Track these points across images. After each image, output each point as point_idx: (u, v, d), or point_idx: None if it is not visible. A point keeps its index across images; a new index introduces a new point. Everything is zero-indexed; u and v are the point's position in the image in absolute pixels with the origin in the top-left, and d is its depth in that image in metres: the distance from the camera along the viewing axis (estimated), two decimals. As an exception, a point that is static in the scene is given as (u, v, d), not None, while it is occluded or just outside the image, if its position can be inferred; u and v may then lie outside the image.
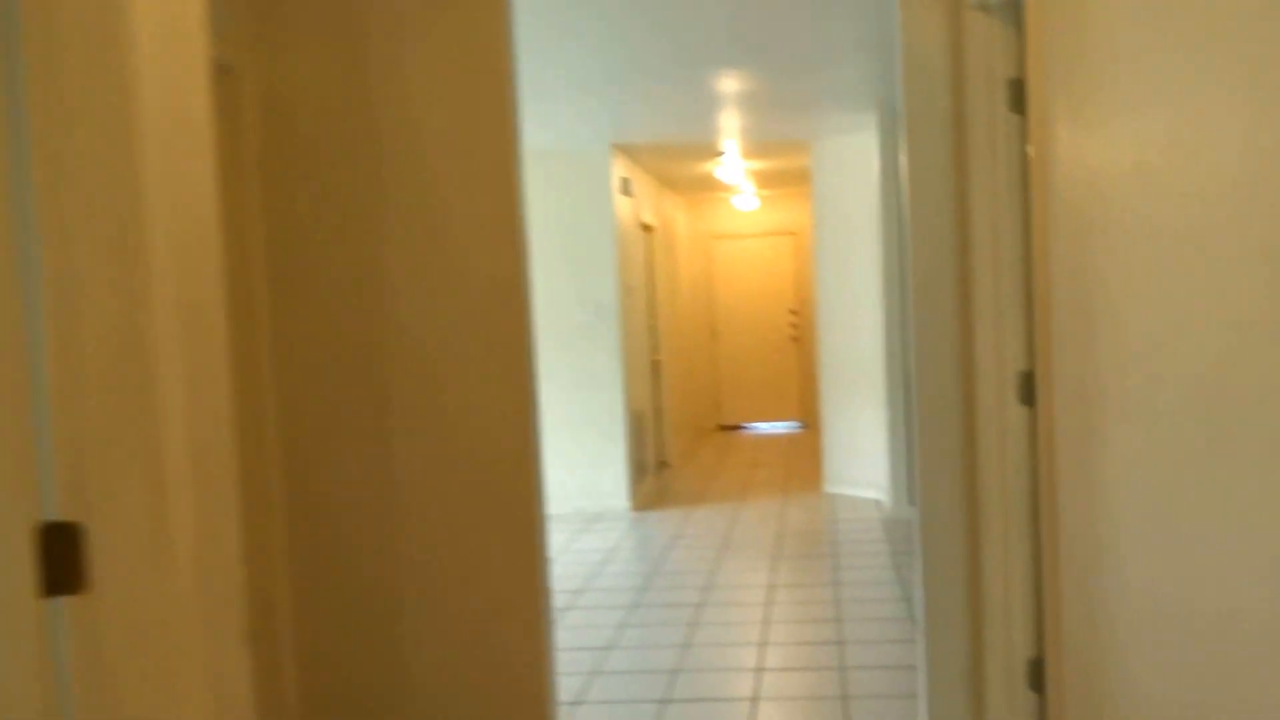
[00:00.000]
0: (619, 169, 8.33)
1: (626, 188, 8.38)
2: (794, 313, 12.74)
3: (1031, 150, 2.95)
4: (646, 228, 9.86)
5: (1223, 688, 1.81)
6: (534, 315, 3.57)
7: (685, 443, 11.41)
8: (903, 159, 3.42)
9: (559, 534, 7.49)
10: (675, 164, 9.51)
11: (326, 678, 3.53)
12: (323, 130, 3.39)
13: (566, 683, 4.55)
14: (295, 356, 3.46)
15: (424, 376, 3.44)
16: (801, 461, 10.21)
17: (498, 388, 3.43)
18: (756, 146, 8.74)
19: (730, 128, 7.75)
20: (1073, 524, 2.67)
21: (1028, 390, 3.16)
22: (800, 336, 12.73)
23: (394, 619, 3.52)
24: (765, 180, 11.09)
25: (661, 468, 9.92)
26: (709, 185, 11.19)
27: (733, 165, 9.59)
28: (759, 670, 4.59)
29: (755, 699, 4.27)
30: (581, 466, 8.23)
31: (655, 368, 10.03)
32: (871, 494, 8.10)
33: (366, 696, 3.54)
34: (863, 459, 8.16)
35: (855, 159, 8.02)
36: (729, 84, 6.27)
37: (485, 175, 3.40)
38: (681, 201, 12.29)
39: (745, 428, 12.95)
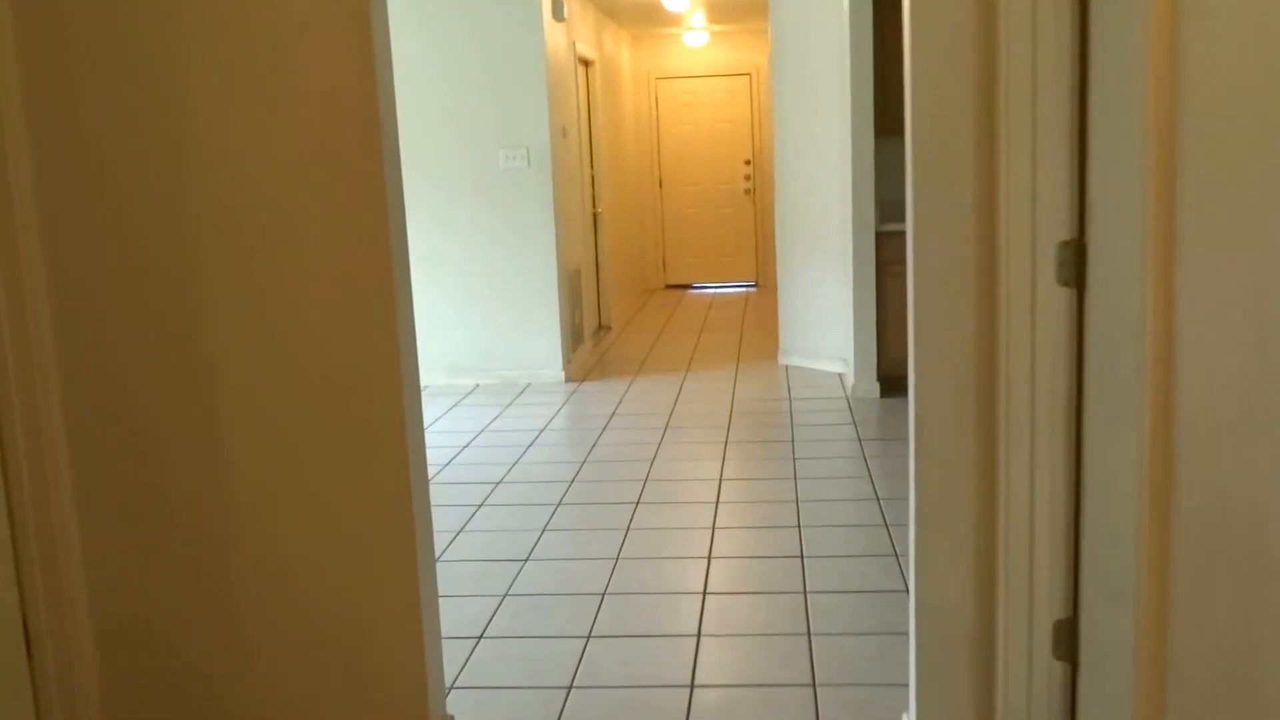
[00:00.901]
0: (551, -10, 7.21)
1: (559, 10, 7.26)
2: (748, 163, 11.73)
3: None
4: (585, 62, 8.74)
5: None
6: (396, 148, 2.60)
7: (628, 304, 10.51)
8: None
9: (481, 409, 6.63)
10: (617, -11, 8.36)
11: (131, 635, 2.67)
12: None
13: (473, 607, 3.73)
14: (65, 209, 2.50)
15: (241, 235, 2.50)
16: (755, 327, 9.36)
17: (344, 251, 2.49)
18: (709, -33, 7.62)
19: (679, -59, 6.64)
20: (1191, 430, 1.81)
21: (1074, 265, 2.28)
22: (756, 189, 11.76)
23: (215, 555, 2.65)
24: (718, 12, 9.94)
25: (601, 332, 9.03)
26: (656, 18, 10.03)
27: (683, -9, 8.46)
28: (703, 594, 3.80)
29: (698, 635, 3.49)
30: (509, 331, 7.32)
31: (594, 221, 9.04)
32: (833, 367, 7.28)
33: (187, 671, 2.69)
34: (823, 327, 7.31)
35: (823, -19, 6.95)
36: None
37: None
38: (625, 36, 11.11)
39: (694, 288, 12.05)
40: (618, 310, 9.86)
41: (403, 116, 7.09)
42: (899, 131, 6.63)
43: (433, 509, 4.81)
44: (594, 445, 5.74)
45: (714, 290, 11.86)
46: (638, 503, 4.77)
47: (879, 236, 6.34)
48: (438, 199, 7.19)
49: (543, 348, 7.31)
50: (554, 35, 7.29)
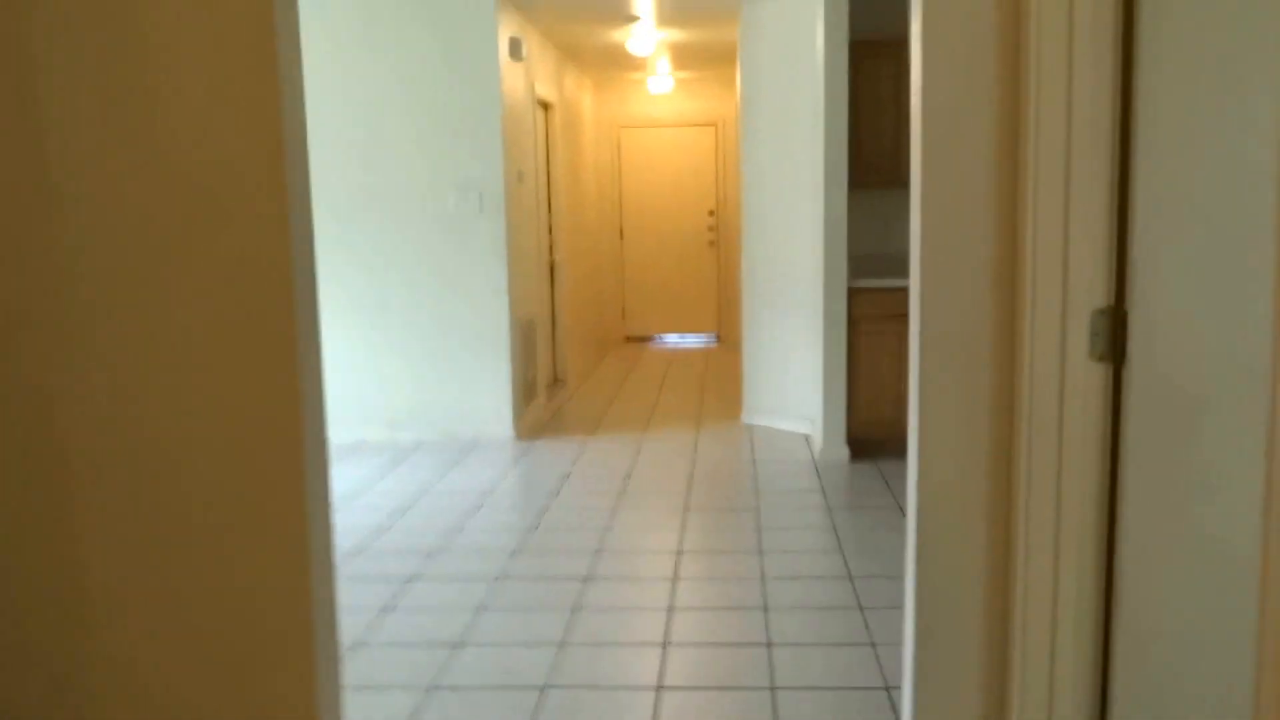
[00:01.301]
0: (508, 25, 6.86)
1: (517, 49, 6.92)
2: (712, 214, 11.42)
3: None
4: (544, 105, 8.40)
5: None
6: (304, 175, 2.20)
7: (585, 357, 10.11)
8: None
9: (422, 468, 6.18)
10: (579, 29, 8.03)
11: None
12: None
13: (394, 703, 3.28)
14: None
15: (104, 272, 2.08)
16: (717, 383, 8.99)
17: (233, 292, 2.08)
18: (675, 11, 7.32)
19: (645, -21, 6.33)
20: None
21: (1111, 337, 1.91)
22: (719, 241, 11.44)
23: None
24: (684, 58, 9.66)
25: (556, 386, 8.62)
26: (619, 62, 9.73)
27: (646, 34, 8.15)
28: (658, 689, 3.37)
29: (651, 740, 3.06)
30: (456, 384, 6.89)
31: (551, 270, 8.66)
32: (799, 427, 6.91)
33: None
34: (790, 386, 6.95)
35: (793, 29, 6.66)
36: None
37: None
38: (588, 82, 10.81)
39: (655, 340, 11.68)
40: (574, 363, 9.46)
41: (349, 150, 6.70)
42: (873, 183, 6.37)
43: (359, 583, 4.35)
44: (543, 511, 5.30)
45: (674, 343, 11.49)
46: (588, 578, 4.33)
47: (851, 293, 5.99)
48: (383, 239, 6.78)
49: (492, 402, 6.89)
50: (511, 75, 6.94)
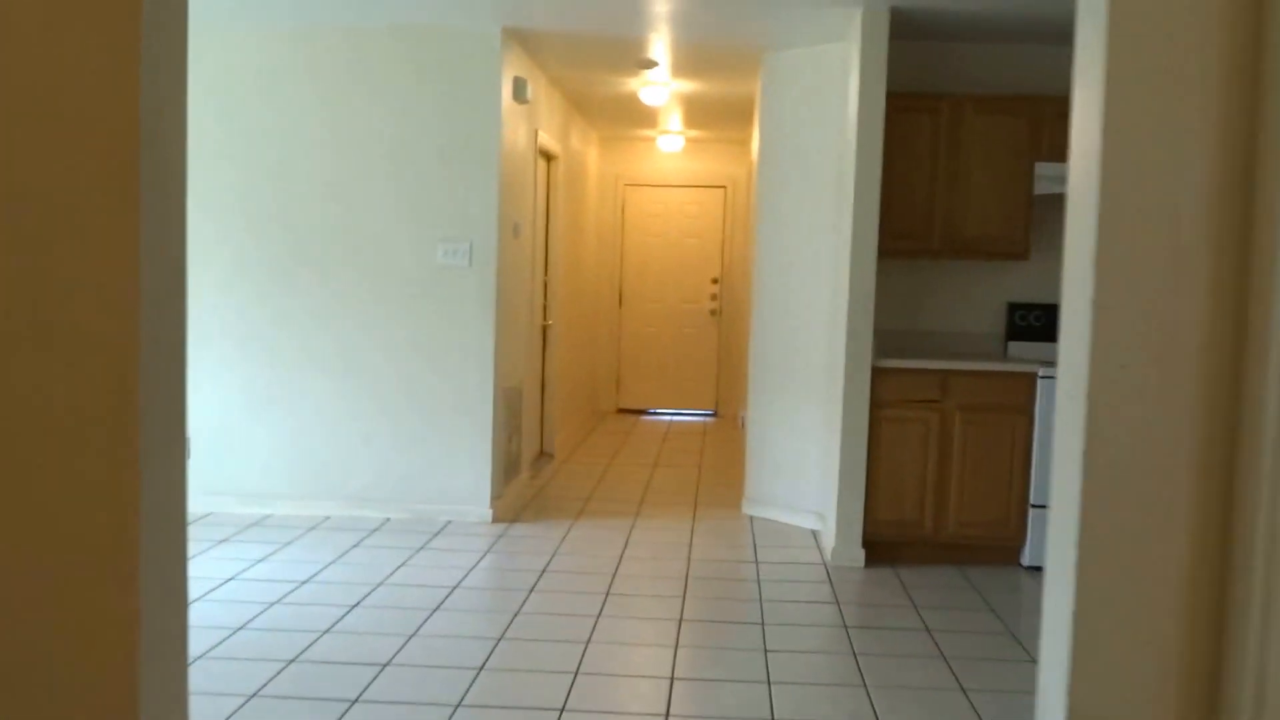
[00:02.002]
0: (514, 65, 6.27)
1: (521, 91, 6.32)
2: (716, 282, 10.80)
3: None
4: (547, 155, 7.80)
5: None
6: (179, 183, 1.54)
7: (575, 428, 9.42)
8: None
9: (384, 552, 5.46)
10: (591, 76, 7.45)
11: None
12: None
13: None
14: None
15: None
16: (715, 464, 8.28)
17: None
18: (694, 58, 6.73)
19: (662, 18, 5.73)
20: None
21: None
22: (722, 311, 10.81)
23: None
24: (696, 115, 9.09)
25: (541, 460, 7.92)
26: (629, 116, 9.16)
27: (661, 83, 7.57)
28: None
29: None
30: (430, 457, 6.19)
31: (544, 335, 8.00)
32: (807, 522, 6.20)
33: None
34: (798, 475, 6.26)
35: (820, 81, 6.07)
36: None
37: None
38: (595, 136, 10.24)
39: (650, 414, 11.00)
40: (563, 435, 8.77)
41: (328, 188, 6.07)
42: (902, 252, 5.70)
43: (290, 701, 3.63)
44: (515, 614, 4.58)
45: (670, 417, 10.80)
46: (562, 709, 3.61)
47: (876, 373, 5.33)
48: (358, 289, 6.12)
49: (469, 479, 6.18)
50: (514, 119, 6.34)
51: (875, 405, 5.35)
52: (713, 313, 10.82)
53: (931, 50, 5.87)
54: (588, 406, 10.35)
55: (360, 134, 6.05)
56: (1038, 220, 5.89)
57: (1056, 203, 5.91)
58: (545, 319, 8.04)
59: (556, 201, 8.10)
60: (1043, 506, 5.33)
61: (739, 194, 10.60)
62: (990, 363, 5.35)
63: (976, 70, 5.87)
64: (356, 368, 6.16)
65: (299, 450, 6.24)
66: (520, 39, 6.26)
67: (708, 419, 10.74)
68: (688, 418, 10.80)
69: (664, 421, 10.53)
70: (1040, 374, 5.29)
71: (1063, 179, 5.63)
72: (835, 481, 5.49)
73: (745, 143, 10.28)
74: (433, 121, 6.02)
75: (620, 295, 10.89)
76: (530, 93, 6.55)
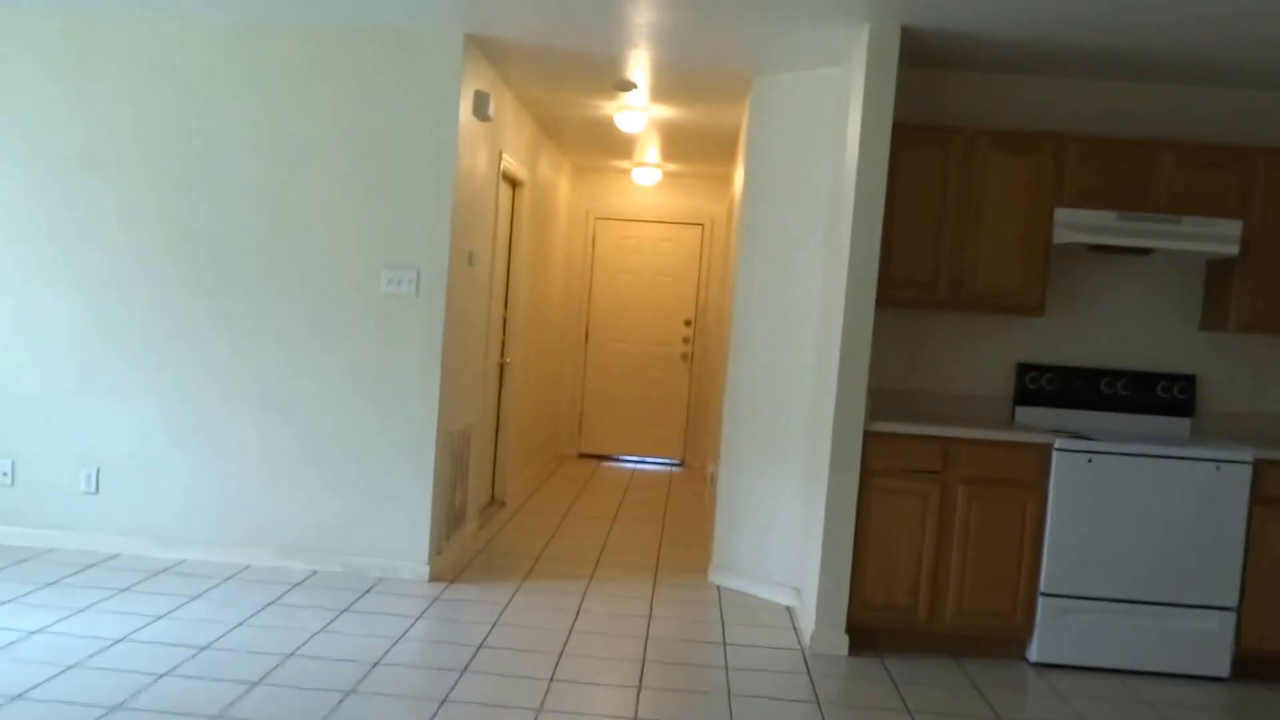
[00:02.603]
0: (476, 77, 5.67)
1: (483, 106, 5.72)
2: (689, 324, 10.21)
3: None
4: (512, 180, 7.21)
5: None
6: None
7: (531, 473, 8.76)
8: None
9: (305, 611, 4.78)
10: (564, 97, 6.87)
11: None
12: None
13: None
14: None
15: None
16: (680, 520, 7.64)
17: None
18: (677, 81, 6.17)
19: (643, 31, 5.16)
20: None
21: None
22: (694, 355, 10.21)
23: None
24: (675, 147, 8.52)
25: (492, 508, 7.26)
26: (604, 144, 8.59)
27: (640, 106, 7.01)
28: None
29: None
30: (363, 504, 5.53)
31: (501, 373, 7.38)
32: (781, 597, 5.57)
33: None
34: (774, 543, 5.63)
35: (816, 105, 5.52)
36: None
37: None
38: (566, 165, 9.66)
39: (613, 460, 10.35)
40: (517, 481, 8.12)
41: (261, 202, 5.44)
42: (899, 301, 5.01)
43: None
44: (442, 702, 3.91)
45: (634, 465, 10.16)
46: (487, 838, 2.95)
47: (869, 438, 4.74)
48: (289, 317, 5.48)
49: (406, 531, 5.52)
50: (473, 137, 5.74)
51: (866, 473, 4.75)
52: (684, 357, 10.22)
53: (942, 79, 5.33)
54: (547, 450, 9.70)
55: (299, 145, 5.43)
56: (1056, 273, 5.35)
57: (1076, 253, 5.36)
58: (503, 356, 7.41)
59: (521, 231, 7.49)
60: (1056, 595, 4.73)
61: (717, 232, 10.04)
62: (999, 430, 4.76)
63: (992, 102, 5.33)
64: (287, 403, 5.51)
65: (220, 490, 5.57)
66: (485, 49, 5.67)
67: (674, 469, 10.11)
68: (653, 466, 10.16)
69: (627, 469, 9.88)
70: (1056, 445, 4.70)
71: (1086, 227, 5.03)
72: (817, 556, 4.87)
73: (726, 179, 9.74)
74: (382, 134, 5.41)
75: (586, 334, 10.28)
76: (493, 109, 5.96)
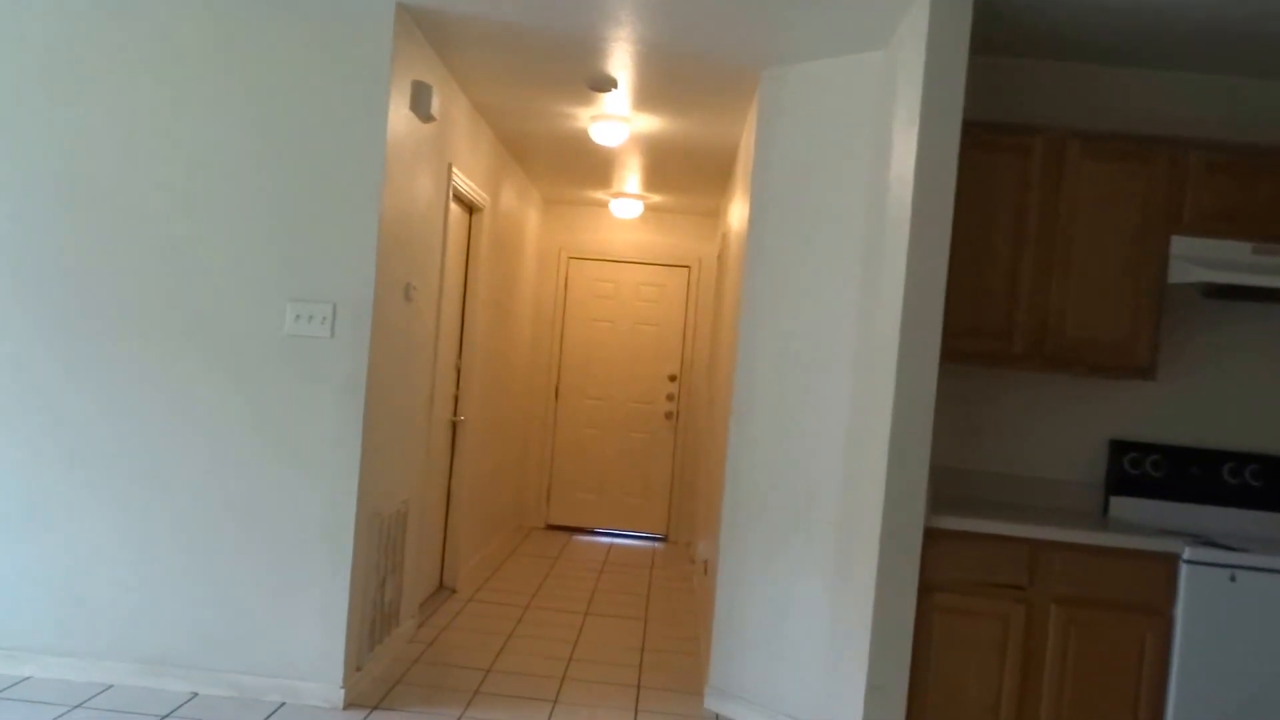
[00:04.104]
0: (414, 63, 4.48)
1: (423, 101, 4.53)
2: (674, 379, 8.99)
3: None
4: (467, 204, 6.01)
5: None
6: None
7: (490, 550, 7.48)
8: None
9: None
10: (526, 97, 5.69)
11: None
12: None
13: None
14: None
15: None
16: (667, 613, 6.36)
17: None
18: (663, 77, 5.00)
19: (624, 3, 3.99)
20: None
21: None
22: (680, 414, 8.97)
23: None
24: (662, 171, 7.35)
25: (437, 598, 5.98)
26: (578, 167, 7.40)
27: (617, 123, 5.83)
28: None
29: None
30: (260, 608, 4.24)
31: (454, 432, 6.13)
32: (799, 733, 4.32)
33: None
34: (790, 662, 4.38)
35: (848, 100, 4.35)
36: None
37: None
38: (536, 195, 8.47)
39: (587, 533, 9.06)
40: (473, 562, 6.83)
41: (145, 213, 4.20)
42: (970, 355, 3.46)
43: None
44: None
45: (610, 539, 8.87)
46: None
47: (930, 537, 3.51)
48: (165, 368, 4.22)
49: (314, 642, 4.24)
50: (413, 140, 4.54)
51: (926, 586, 3.52)
52: (668, 415, 8.98)
53: (1012, 69, 4.18)
54: (509, 521, 8.41)
55: (185, 144, 4.21)
56: (1171, 322, 4.16)
57: (1192, 297, 4.18)
58: (456, 413, 6.17)
59: (478, 265, 6.27)
60: (1187, 761, 3.48)
61: (706, 276, 8.86)
62: (1105, 533, 3.54)
63: (1078, 100, 4.18)
64: (160, 477, 4.23)
65: (72, 587, 4.27)
66: (425, 26, 4.48)
67: (656, 544, 8.83)
68: (632, 541, 8.87)
69: (603, 544, 8.60)
70: (1185, 556, 3.49)
71: (1212, 262, 3.05)
72: (857, 697, 3.63)
73: (716, 214, 8.57)
74: (290, 132, 4.20)
75: (557, 389, 9.03)
76: (437, 107, 4.75)
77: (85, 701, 4.04)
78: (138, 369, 4.20)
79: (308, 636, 4.22)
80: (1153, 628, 3.49)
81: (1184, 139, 3.78)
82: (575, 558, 7.91)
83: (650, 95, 5.28)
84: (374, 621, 4.55)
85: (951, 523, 3.51)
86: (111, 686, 4.24)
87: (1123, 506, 4.11)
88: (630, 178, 7.56)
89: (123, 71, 4.20)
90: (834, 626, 4.11)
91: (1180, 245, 3.72)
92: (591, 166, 7.23)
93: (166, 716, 3.96)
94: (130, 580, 4.25)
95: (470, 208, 6.14)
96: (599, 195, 8.40)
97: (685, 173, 7.16)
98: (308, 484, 4.19)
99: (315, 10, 4.17)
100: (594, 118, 5.83)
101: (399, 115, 4.30)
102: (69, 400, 4.23)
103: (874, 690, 3.46)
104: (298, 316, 4.17)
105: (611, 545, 8.59)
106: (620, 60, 4.73)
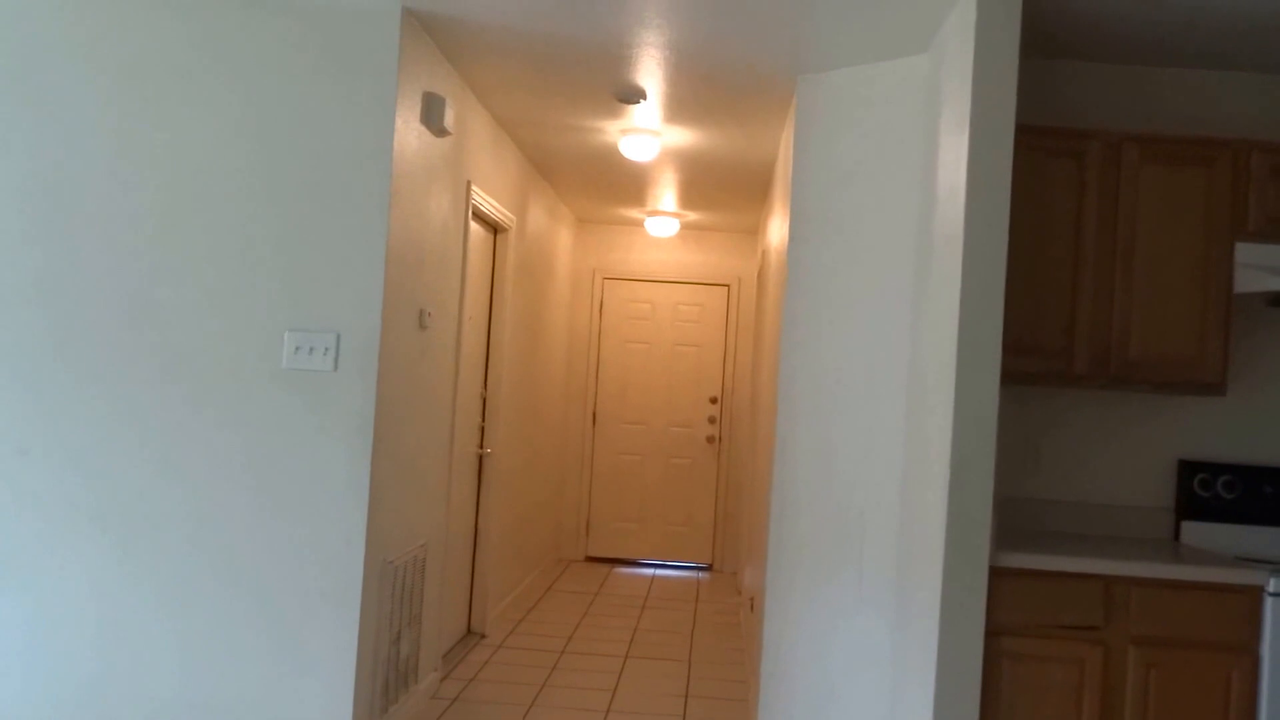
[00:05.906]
0: (424, 73, 4.18)
1: (435, 114, 4.22)
2: (715, 402, 8.62)
3: None
4: (491, 224, 5.70)
5: None
6: None
7: (525, 589, 7.14)
8: None
9: None
10: (550, 113, 5.38)
11: None
12: None
13: None
14: None
15: None
16: (714, 654, 5.97)
17: None
18: (694, 87, 4.66)
19: (650, 6, 3.65)
20: None
21: None
22: (722, 438, 8.60)
23: None
24: (697, 188, 7.01)
25: (465, 644, 5.64)
26: (610, 185, 7.08)
27: (648, 137, 5.50)
28: None
29: None
30: (259, 667, 3.91)
31: (480, 466, 5.81)
32: (855, 795, 3.91)
33: None
34: (847, 702, 3.98)
35: (891, 106, 3.99)
36: None
37: None
38: (567, 214, 8.16)
39: (628, 565, 8.70)
40: (504, 603, 6.50)
41: (125, 238, 3.92)
42: (1028, 376, 2.93)
43: None
44: None
45: (653, 571, 8.50)
46: None
47: (996, 576, 3.12)
48: (154, 404, 3.91)
49: (320, 704, 3.90)
50: (426, 155, 4.23)
51: (993, 629, 3.13)
52: (711, 440, 8.61)
53: (1061, 71, 3.80)
54: (546, 555, 8.07)
55: (173, 160, 3.92)
56: (1238, 334, 3.76)
57: (1262, 307, 3.77)
58: (482, 445, 5.84)
59: (504, 289, 5.96)
60: (1302, 834, 3.05)
61: (747, 294, 8.50)
62: (1186, 567, 3.13)
63: (1138, 97, 3.79)
64: (148, 524, 3.92)
65: (48, 647, 3.96)
66: (436, 33, 4.17)
67: (701, 575, 8.44)
68: (676, 572, 8.49)
69: (645, 576, 8.23)
70: (1270, 589, 3.08)
71: None
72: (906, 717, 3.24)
73: (755, 231, 8.22)
74: (289, 145, 3.90)
75: (594, 414, 8.69)
76: (452, 120, 4.44)
77: (82, 767, 3.74)
78: (122, 404, 3.91)
79: (312, 699, 3.89)
80: (1239, 666, 3.08)
81: (1246, 141, 3.40)
82: (616, 592, 7.54)
83: (681, 107, 4.94)
84: (387, 680, 4.22)
85: (1017, 560, 3.11)
86: (112, 749, 3.93)
87: (1194, 532, 3.70)
88: (665, 194, 7.22)
89: (107, 80, 3.93)
90: (896, 670, 3.72)
91: (1246, 252, 3.35)
92: (624, 183, 6.90)
93: (167, 783, 3.63)
94: (115, 639, 3.93)
95: (494, 228, 5.84)
96: (633, 213, 8.07)
97: (721, 188, 6.81)
98: (308, 532, 3.86)
99: (314, 13, 3.88)
100: (623, 131, 5.51)
101: (408, 128, 3.99)
102: (36, 443, 3.94)
103: (938, 754, 3.06)
104: (297, 348, 3.86)
105: (654, 577, 8.21)
106: (648, 69, 4.40)
